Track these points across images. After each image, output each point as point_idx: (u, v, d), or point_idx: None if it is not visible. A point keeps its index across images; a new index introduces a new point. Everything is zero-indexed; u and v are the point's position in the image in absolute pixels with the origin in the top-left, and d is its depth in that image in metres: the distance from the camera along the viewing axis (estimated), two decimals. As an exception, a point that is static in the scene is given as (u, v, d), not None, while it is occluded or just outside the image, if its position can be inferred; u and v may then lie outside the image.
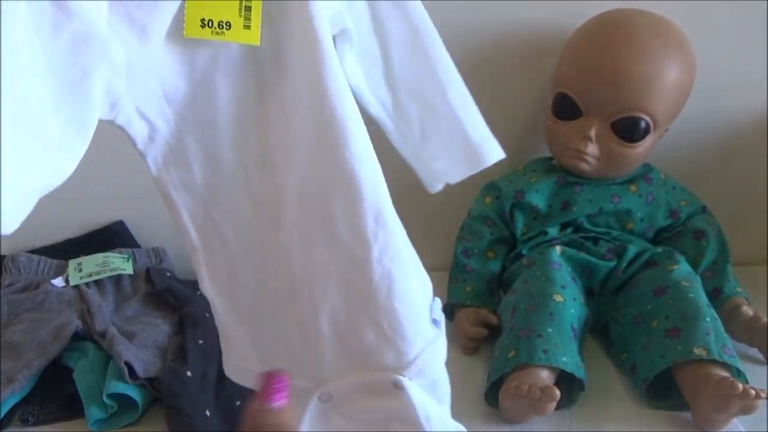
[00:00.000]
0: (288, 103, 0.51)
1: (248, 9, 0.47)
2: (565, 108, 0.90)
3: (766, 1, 0.97)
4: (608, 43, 0.87)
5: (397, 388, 0.55)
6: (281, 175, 0.52)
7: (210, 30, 0.47)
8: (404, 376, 0.55)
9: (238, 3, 0.47)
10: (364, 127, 0.51)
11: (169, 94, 0.50)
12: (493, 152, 0.59)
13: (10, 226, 0.43)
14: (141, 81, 0.48)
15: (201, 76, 0.50)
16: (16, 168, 0.42)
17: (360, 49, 0.55)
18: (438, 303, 0.59)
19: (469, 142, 0.58)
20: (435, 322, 0.57)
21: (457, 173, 0.60)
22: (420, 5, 0.56)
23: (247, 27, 0.48)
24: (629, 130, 0.87)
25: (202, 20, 0.47)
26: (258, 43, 0.48)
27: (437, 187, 0.61)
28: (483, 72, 1.00)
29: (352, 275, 0.53)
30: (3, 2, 0.40)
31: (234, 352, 0.59)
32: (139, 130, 0.51)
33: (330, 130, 0.49)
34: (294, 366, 0.54)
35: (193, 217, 0.54)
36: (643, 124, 0.86)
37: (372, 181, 0.51)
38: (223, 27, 0.47)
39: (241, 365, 0.59)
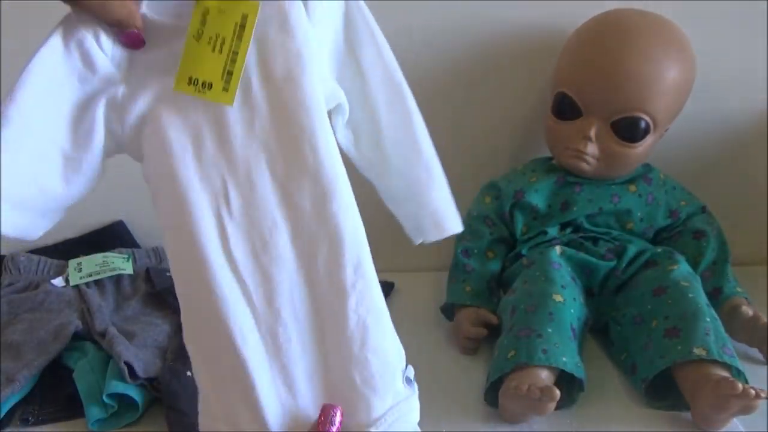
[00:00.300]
0: (279, 161, 0.54)
1: (230, 74, 0.53)
2: (565, 108, 0.90)
3: (766, 1, 0.97)
4: (608, 43, 0.87)
5: None
6: (263, 230, 0.54)
7: (194, 88, 0.53)
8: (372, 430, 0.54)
9: (222, 68, 0.53)
10: (348, 182, 0.55)
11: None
12: (453, 224, 0.63)
13: (33, 236, 0.56)
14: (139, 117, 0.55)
15: (193, 131, 0.54)
16: (38, 190, 0.54)
17: (351, 117, 0.60)
18: (411, 370, 0.59)
19: (434, 211, 0.62)
20: (409, 381, 0.57)
21: (426, 236, 0.63)
22: (403, 80, 0.61)
23: (225, 89, 0.53)
24: (629, 130, 0.87)
25: (190, 78, 0.53)
26: (232, 104, 0.53)
27: (417, 240, 0.64)
28: (483, 72, 1.01)
29: (328, 326, 0.54)
30: (41, 53, 0.51)
31: (208, 412, 0.56)
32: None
33: (319, 186, 0.53)
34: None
35: (177, 262, 0.56)
36: (643, 124, 0.86)
37: (354, 232, 0.54)
38: (205, 87, 0.53)
39: (212, 426, 0.56)
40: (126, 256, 0.97)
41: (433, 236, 0.63)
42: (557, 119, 0.91)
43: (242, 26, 0.52)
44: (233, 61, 0.53)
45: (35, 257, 0.96)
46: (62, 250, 0.99)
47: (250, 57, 0.53)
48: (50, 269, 0.95)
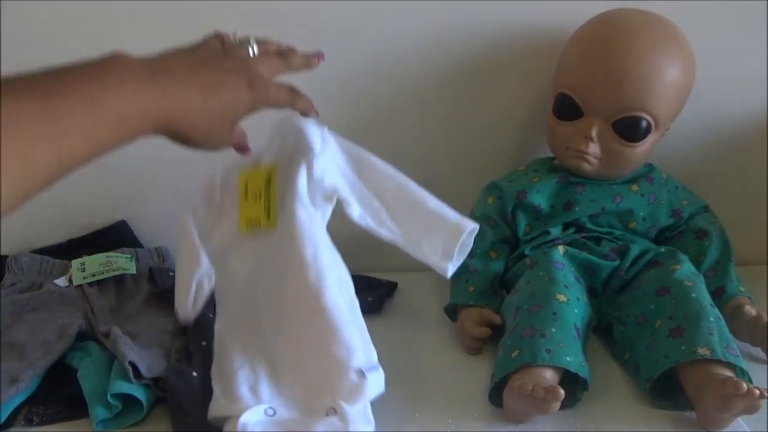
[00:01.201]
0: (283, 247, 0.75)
1: (269, 210, 0.75)
2: (566, 108, 0.90)
3: (766, 1, 0.97)
4: (608, 44, 0.87)
5: None
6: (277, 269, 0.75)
7: (249, 225, 0.76)
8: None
9: (263, 208, 0.75)
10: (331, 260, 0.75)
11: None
12: (468, 222, 0.77)
13: None
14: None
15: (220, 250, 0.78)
16: None
17: (365, 205, 0.77)
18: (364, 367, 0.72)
19: (450, 222, 0.77)
20: (362, 373, 0.71)
21: (451, 246, 0.77)
22: (390, 168, 0.79)
23: (268, 220, 0.75)
24: (630, 129, 0.87)
25: (247, 220, 0.76)
26: (275, 228, 0.75)
27: (449, 269, 0.76)
28: (483, 72, 1.01)
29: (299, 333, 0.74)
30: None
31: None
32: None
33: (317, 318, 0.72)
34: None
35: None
36: (644, 124, 0.86)
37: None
38: (256, 223, 0.76)
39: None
40: (129, 255, 0.97)
41: (456, 240, 0.77)
42: (558, 120, 0.91)
43: (268, 181, 0.76)
44: (268, 202, 0.75)
45: (38, 257, 0.96)
46: (65, 250, 0.99)
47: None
48: (53, 269, 0.95)
